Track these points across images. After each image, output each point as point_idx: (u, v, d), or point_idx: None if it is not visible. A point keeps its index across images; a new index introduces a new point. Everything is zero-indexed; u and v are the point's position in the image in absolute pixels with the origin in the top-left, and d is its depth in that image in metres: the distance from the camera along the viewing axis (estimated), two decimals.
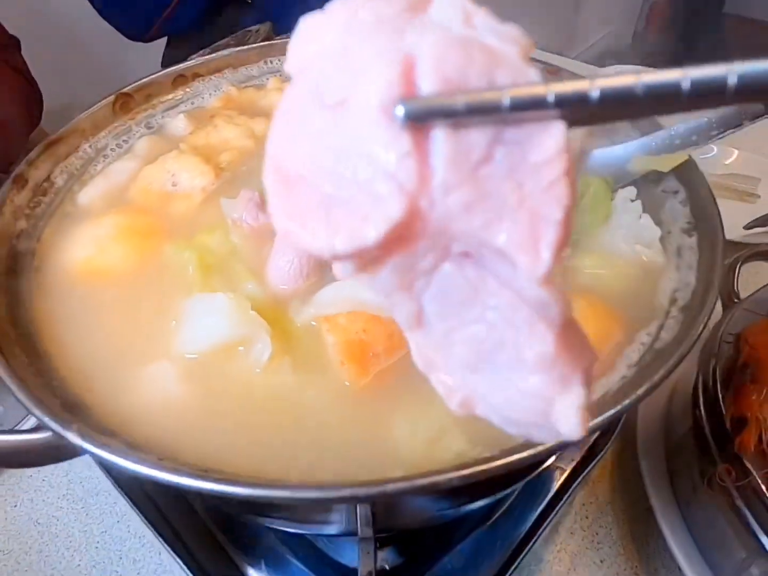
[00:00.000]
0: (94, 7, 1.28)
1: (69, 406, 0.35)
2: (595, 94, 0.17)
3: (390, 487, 0.28)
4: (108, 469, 0.58)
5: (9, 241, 0.46)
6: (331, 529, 0.44)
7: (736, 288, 0.66)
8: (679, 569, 0.56)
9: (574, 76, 0.61)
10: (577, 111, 0.18)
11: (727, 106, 0.16)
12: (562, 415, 0.21)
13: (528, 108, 0.18)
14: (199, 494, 0.43)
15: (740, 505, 0.49)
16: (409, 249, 0.21)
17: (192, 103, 0.65)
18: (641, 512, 0.63)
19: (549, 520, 0.55)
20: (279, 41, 0.68)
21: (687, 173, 0.49)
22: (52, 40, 1.76)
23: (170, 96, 0.64)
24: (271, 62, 0.67)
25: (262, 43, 0.71)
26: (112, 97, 0.59)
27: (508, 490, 0.50)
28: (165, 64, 1.54)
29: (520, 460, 0.28)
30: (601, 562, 0.61)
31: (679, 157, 0.49)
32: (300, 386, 0.40)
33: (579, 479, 0.57)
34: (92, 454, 0.29)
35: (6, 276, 0.44)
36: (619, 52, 3.41)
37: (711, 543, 0.56)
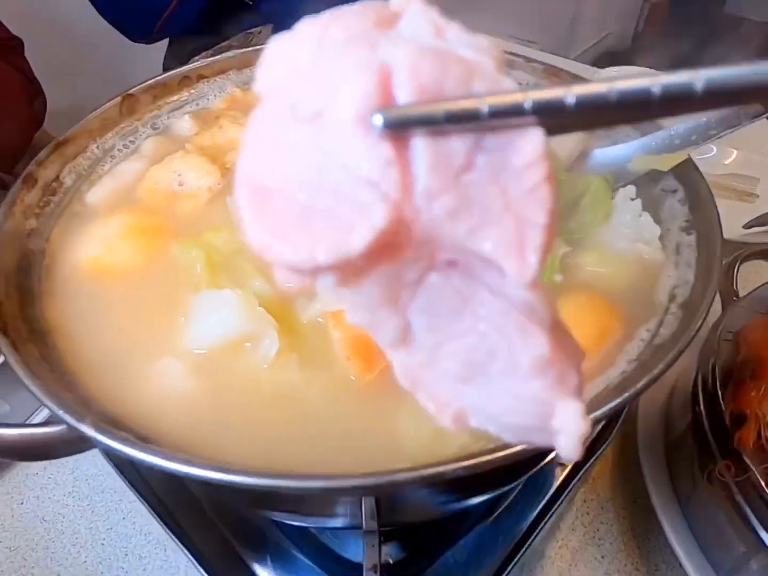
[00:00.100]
0: (96, 8, 1.29)
1: (81, 401, 0.36)
2: (570, 100, 0.17)
3: (398, 477, 0.28)
4: (117, 464, 0.59)
5: (20, 240, 0.47)
6: (337, 523, 0.45)
7: (735, 287, 0.67)
8: (680, 564, 0.56)
9: (575, 77, 0.62)
10: (554, 118, 0.18)
11: (697, 112, 0.17)
12: (563, 425, 0.21)
13: (506, 115, 0.18)
14: (209, 487, 0.44)
15: (740, 500, 0.50)
16: (394, 259, 0.21)
17: (197, 104, 0.66)
18: (642, 508, 0.64)
19: (550, 514, 0.55)
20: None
21: (685, 172, 0.49)
22: (55, 42, 1.77)
23: (175, 97, 0.65)
24: None
25: (265, 45, 0.71)
26: (118, 99, 0.59)
27: (512, 485, 0.51)
28: (167, 65, 1.55)
29: (523, 451, 0.28)
30: (602, 557, 0.61)
31: (679, 157, 0.49)
32: (307, 381, 0.41)
33: (580, 474, 0.58)
34: (106, 446, 0.30)
35: (17, 274, 0.44)
36: (619, 53, 3.42)
37: (711, 538, 0.56)
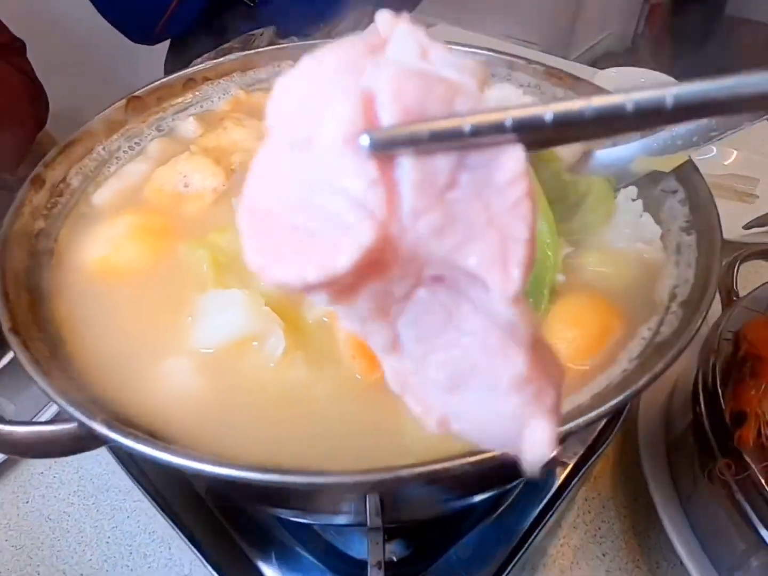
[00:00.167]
0: (98, 9, 1.30)
1: (91, 399, 0.36)
2: (548, 117, 0.18)
3: (403, 473, 0.29)
4: (124, 462, 0.60)
5: (28, 241, 0.47)
6: (341, 520, 0.46)
7: (735, 286, 0.67)
8: (681, 562, 0.57)
9: (576, 79, 0.63)
10: (534, 134, 0.19)
11: (669, 124, 0.17)
12: (530, 445, 0.22)
13: (488, 133, 0.19)
14: (217, 484, 0.44)
15: (740, 498, 0.50)
16: (382, 276, 0.22)
17: (201, 106, 0.67)
18: (643, 507, 0.64)
19: (552, 512, 0.56)
20: (287, 45, 0.69)
21: (686, 173, 0.50)
22: (57, 43, 1.78)
23: (180, 99, 0.65)
24: (279, 66, 0.69)
25: (269, 47, 0.72)
26: (124, 101, 0.60)
27: (514, 483, 0.51)
28: (168, 66, 1.55)
29: None
30: (604, 555, 0.62)
31: (680, 158, 0.50)
32: (312, 380, 0.41)
33: (581, 472, 0.58)
34: (117, 443, 0.31)
35: (26, 274, 0.45)
36: (619, 54, 3.42)
37: (711, 536, 0.56)
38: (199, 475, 0.31)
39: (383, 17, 0.23)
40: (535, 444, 0.21)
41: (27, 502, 0.68)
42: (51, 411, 0.71)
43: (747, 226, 0.89)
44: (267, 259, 0.22)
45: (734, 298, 0.66)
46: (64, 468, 0.71)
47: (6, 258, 0.43)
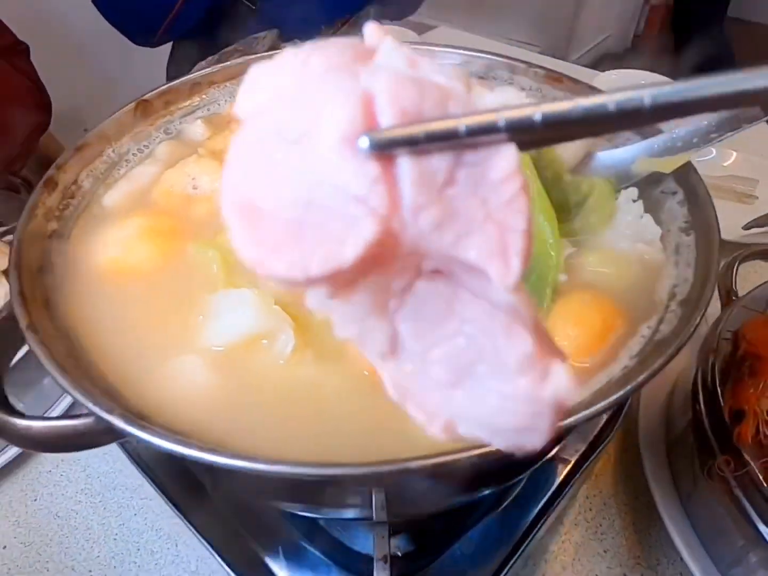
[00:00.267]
0: (100, 11, 1.31)
1: (106, 394, 0.37)
2: (538, 117, 0.19)
3: (412, 465, 0.30)
4: (134, 457, 0.60)
5: (42, 242, 0.48)
6: (348, 514, 0.46)
7: (734, 286, 0.68)
8: (681, 558, 0.57)
9: (576, 82, 0.64)
10: (525, 133, 0.20)
11: (650, 124, 0.19)
12: (552, 384, 0.22)
13: (483, 133, 0.20)
14: (228, 479, 0.45)
15: (739, 494, 0.51)
16: (382, 269, 0.22)
17: (208, 110, 0.68)
18: (643, 504, 0.65)
19: (553, 508, 0.56)
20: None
21: (685, 175, 0.51)
22: (60, 46, 1.79)
23: (187, 102, 0.66)
24: None
25: (274, 52, 0.73)
26: (133, 104, 0.61)
27: (519, 477, 0.52)
28: (170, 69, 1.56)
29: None
30: (605, 552, 0.63)
31: (681, 159, 0.50)
32: (321, 377, 0.42)
33: (582, 469, 0.59)
34: (134, 437, 0.32)
35: (41, 274, 0.46)
36: (619, 55, 3.43)
37: (711, 532, 0.57)
38: (213, 469, 0.32)
39: (371, 28, 0.24)
40: (560, 385, 0.21)
41: (35, 500, 0.69)
42: (59, 409, 0.72)
43: (746, 227, 0.90)
44: (264, 252, 0.22)
45: (733, 298, 0.67)
46: (72, 466, 0.72)
47: (21, 258, 0.44)
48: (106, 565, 0.64)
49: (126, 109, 0.60)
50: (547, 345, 0.22)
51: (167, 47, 1.53)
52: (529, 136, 0.20)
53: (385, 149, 0.20)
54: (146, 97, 0.62)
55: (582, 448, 0.61)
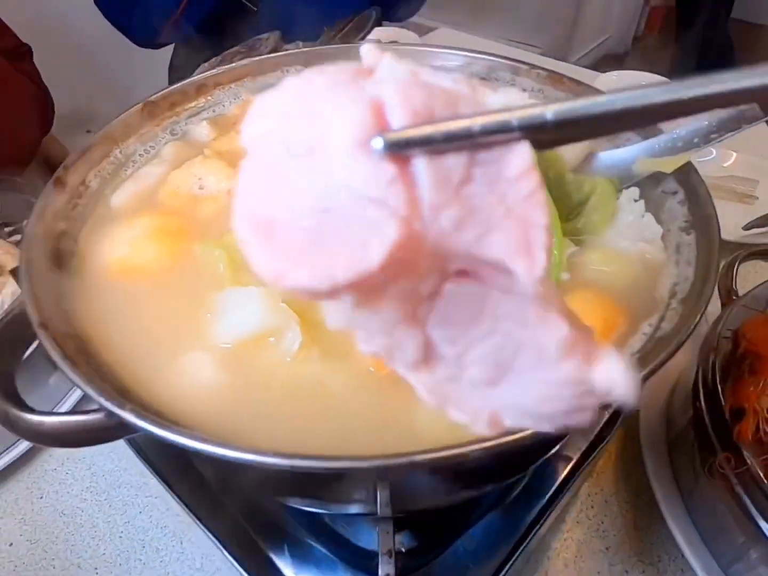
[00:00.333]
0: (103, 12, 1.31)
1: (117, 391, 0.38)
2: (549, 115, 0.19)
3: (418, 458, 0.30)
4: (143, 454, 0.61)
5: (52, 241, 0.49)
6: (353, 509, 0.47)
7: (734, 286, 0.68)
8: (682, 555, 0.58)
9: (578, 83, 0.64)
10: (537, 132, 0.20)
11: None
12: (606, 377, 0.22)
13: (497, 131, 0.20)
14: (236, 473, 0.46)
15: (739, 491, 0.51)
16: (408, 274, 0.21)
17: (213, 111, 0.68)
18: (645, 502, 0.65)
19: (555, 504, 0.57)
20: (297, 51, 0.71)
21: (685, 175, 0.51)
22: (62, 48, 1.80)
23: (193, 104, 0.67)
24: (288, 71, 0.70)
25: (279, 53, 0.74)
26: (140, 105, 0.62)
27: (524, 472, 0.53)
28: (172, 71, 1.57)
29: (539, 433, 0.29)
30: (607, 549, 0.63)
31: (681, 159, 0.51)
32: (327, 373, 0.43)
33: (584, 466, 0.60)
34: (146, 431, 0.32)
35: (51, 273, 0.46)
36: (620, 56, 3.44)
37: (712, 529, 0.58)
38: (220, 465, 0.33)
39: (368, 48, 0.24)
40: (614, 375, 0.21)
41: (41, 498, 0.70)
42: (64, 409, 0.73)
43: (747, 227, 0.90)
44: (285, 264, 0.21)
45: (733, 297, 0.67)
46: (77, 465, 0.73)
47: (32, 257, 0.45)
48: (112, 563, 0.64)
49: (132, 110, 0.61)
50: (580, 327, 0.23)
51: (169, 49, 1.54)
52: (542, 134, 0.20)
53: (400, 149, 0.20)
54: (152, 98, 0.63)
55: (583, 446, 0.61)
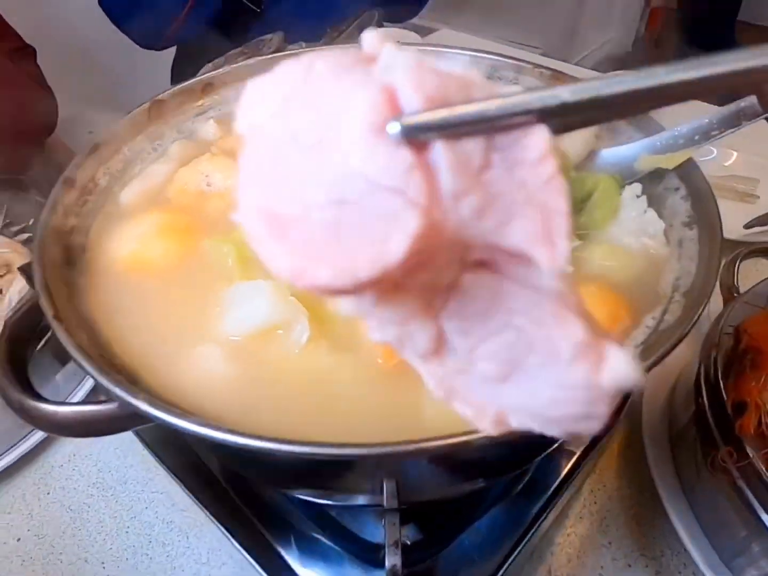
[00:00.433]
0: (108, 15, 1.32)
1: (130, 381, 0.38)
2: (567, 96, 0.19)
3: (426, 445, 0.31)
4: (152, 449, 0.62)
5: (63, 237, 0.50)
6: (360, 500, 0.48)
7: (736, 283, 0.69)
8: (684, 549, 0.58)
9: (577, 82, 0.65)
10: (554, 113, 0.19)
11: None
12: (613, 375, 0.21)
13: (514, 114, 0.19)
14: (245, 463, 0.46)
15: (741, 485, 0.51)
16: (429, 265, 0.21)
17: (219, 110, 0.69)
18: (647, 497, 0.66)
19: (558, 498, 0.57)
20: (300, 51, 0.72)
21: (687, 171, 0.52)
22: (66, 49, 1.80)
23: (199, 103, 0.67)
24: None
25: (283, 53, 0.75)
26: (147, 104, 0.62)
27: (528, 465, 0.53)
28: (176, 72, 1.58)
29: None
30: (609, 544, 0.64)
31: (683, 156, 0.52)
32: (336, 366, 0.43)
33: (586, 460, 0.60)
34: (159, 420, 0.33)
35: (63, 269, 0.47)
36: (620, 58, 3.44)
37: (714, 524, 0.58)
38: (229, 456, 0.33)
39: (370, 36, 0.23)
40: (620, 371, 0.21)
41: (48, 494, 0.70)
42: (75, 400, 0.74)
43: (748, 226, 0.91)
44: (303, 261, 0.20)
45: (735, 294, 0.68)
46: (83, 461, 0.73)
47: (44, 252, 0.45)
48: (119, 558, 0.65)
49: (140, 109, 0.62)
50: (596, 329, 0.22)
51: (171, 51, 1.55)
52: (559, 116, 0.19)
53: (417, 134, 0.20)
54: (160, 97, 0.63)
55: (588, 439, 0.62)
